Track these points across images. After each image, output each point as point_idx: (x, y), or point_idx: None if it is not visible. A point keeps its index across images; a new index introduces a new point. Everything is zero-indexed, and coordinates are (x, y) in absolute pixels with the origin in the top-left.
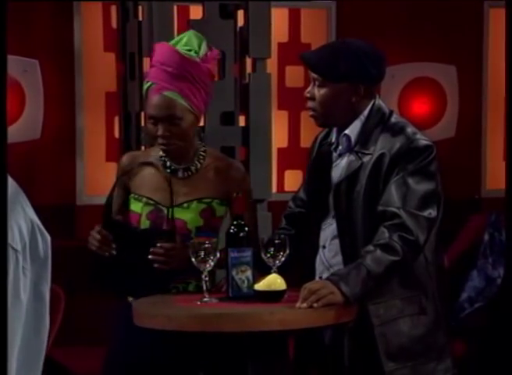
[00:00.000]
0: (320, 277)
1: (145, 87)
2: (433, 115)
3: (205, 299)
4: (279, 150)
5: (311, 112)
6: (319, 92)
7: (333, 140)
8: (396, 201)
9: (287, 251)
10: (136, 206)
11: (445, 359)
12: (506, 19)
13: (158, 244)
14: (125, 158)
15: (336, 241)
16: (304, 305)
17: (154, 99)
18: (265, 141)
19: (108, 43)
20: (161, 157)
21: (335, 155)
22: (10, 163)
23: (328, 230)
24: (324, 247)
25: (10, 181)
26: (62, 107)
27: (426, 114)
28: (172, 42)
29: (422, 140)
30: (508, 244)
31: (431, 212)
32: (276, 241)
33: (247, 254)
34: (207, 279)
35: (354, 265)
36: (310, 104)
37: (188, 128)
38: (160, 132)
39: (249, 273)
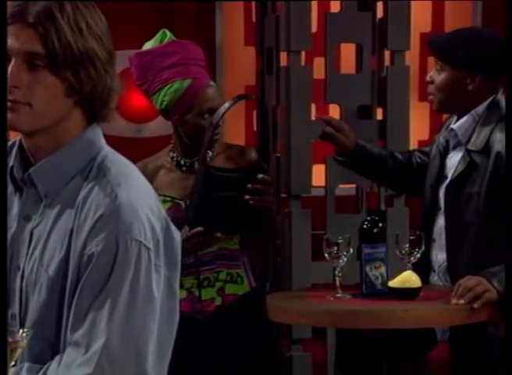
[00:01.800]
0: (433, 271)
1: (185, 84)
2: None
3: (338, 295)
4: (420, 142)
5: (430, 97)
6: (438, 76)
7: (452, 126)
8: None
9: (422, 248)
10: None
11: None
12: (507, 18)
13: (260, 176)
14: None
15: (443, 236)
16: (462, 301)
17: (208, 92)
18: (403, 134)
19: (248, 37)
20: (173, 158)
21: (451, 145)
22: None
23: (438, 224)
24: (434, 240)
25: (144, 180)
26: None
27: None
28: (154, 41)
29: None
30: (508, 244)
31: None
32: (411, 238)
33: (381, 250)
34: (340, 275)
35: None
36: (429, 88)
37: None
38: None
39: (383, 270)
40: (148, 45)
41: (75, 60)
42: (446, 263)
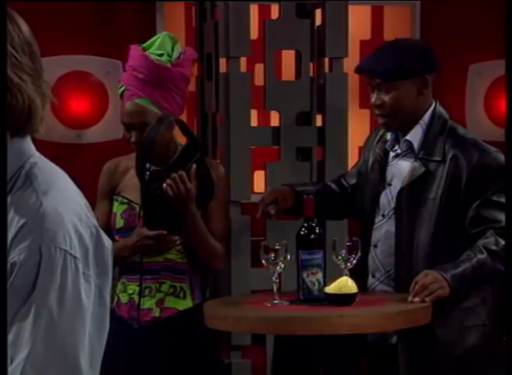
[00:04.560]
0: (373, 276)
1: (119, 91)
2: None
3: (275, 301)
4: (360, 149)
5: (382, 119)
6: (390, 96)
7: (388, 137)
8: (495, 219)
9: (359, 254)
10: (113, 207)
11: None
12: (507, 18)
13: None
14: (107, 165)
15: (389, 242)
16: (417, 299)
17: (127, 106)
18: (342, 140)
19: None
20: None
21: (391, 154)
22: (93, 162)
23: (381, 230)
24: (375, 246)
25: (74, 188)
26: None
27: None
28: (145, 45)
29: (498, 153)
30: (507, 245)
31: None
32: (348, 244)
33: (318, 256)
34: (277, 281)
35: (463, 261)
36: (379, 111)
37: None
38: (133, 139)
39: (320, 276)
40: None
41: None
42: (393, 269)
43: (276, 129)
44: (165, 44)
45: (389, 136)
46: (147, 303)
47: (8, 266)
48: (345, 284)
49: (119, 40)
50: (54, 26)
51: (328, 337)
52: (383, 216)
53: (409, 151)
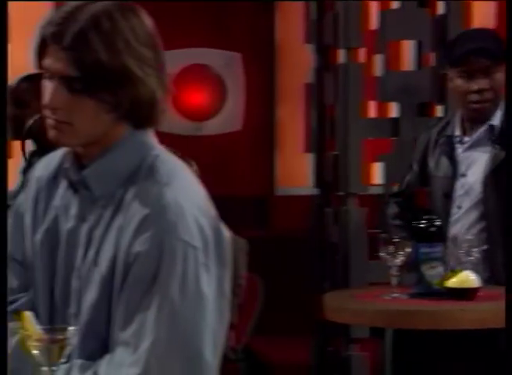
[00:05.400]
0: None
1: None
2: None
3: (395, 295)
4: None
5: (482, 105)
6: (495, 78)
7: (457, 132)
8: None
9: (482, 247)
10: None
11: None
12: (507, 18)
13: None
14: None
15: (469, 233)
16: None
17: None
18: None
19: (307, 34)
20: None
21: (460, 147)
22: (211, 154)
23: (458, 223)
24: (455, 239)
25: (194, 180)
26: (261, 99)
27: None
28: None
29: None
30: (507, 244)
31: None
32: (469, 237)
33: (438, 249)
34: (397, 274)
35: None
36: (483, 96)
37: None
38: None
39: (440, 269)
40: None
41: (111, 81)
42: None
43: (395, 120)
44: None
45: (456, 131)
46: None
47: (132, 256)
48: (466, 278)
49: (238, 33)
50: (174, 22)
51: (448, 333)
52: (459, 207)
53: (483, 140)
